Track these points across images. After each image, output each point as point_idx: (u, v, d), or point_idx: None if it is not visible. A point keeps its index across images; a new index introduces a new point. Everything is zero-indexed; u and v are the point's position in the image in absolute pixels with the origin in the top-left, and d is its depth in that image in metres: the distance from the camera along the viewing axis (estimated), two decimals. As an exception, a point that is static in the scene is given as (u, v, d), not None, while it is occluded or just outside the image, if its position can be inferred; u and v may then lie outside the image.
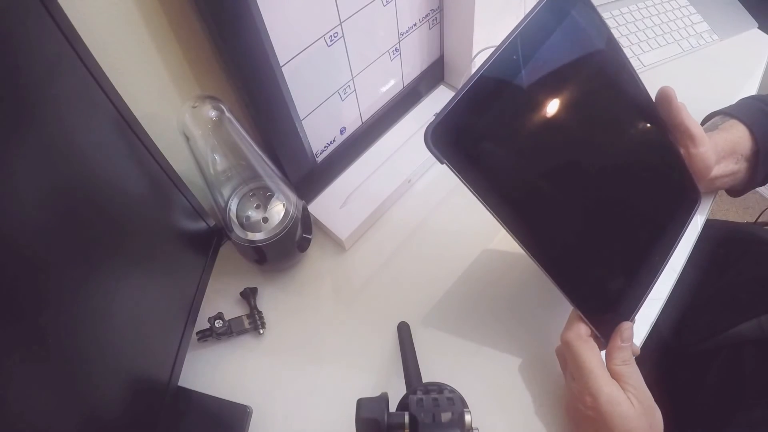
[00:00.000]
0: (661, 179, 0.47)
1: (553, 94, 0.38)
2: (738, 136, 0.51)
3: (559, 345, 0.43)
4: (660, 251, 0.46)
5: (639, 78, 0.45)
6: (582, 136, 0.40)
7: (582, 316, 0.41)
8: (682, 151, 0.48)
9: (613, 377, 0.40)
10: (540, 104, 0.37)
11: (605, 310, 0.42)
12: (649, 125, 0.47)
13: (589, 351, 0.40)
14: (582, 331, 0.41)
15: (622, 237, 0.44)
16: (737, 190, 0.55)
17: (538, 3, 0.36)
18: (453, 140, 0.32)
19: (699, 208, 0.51)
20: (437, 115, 0.32)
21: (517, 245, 0.37)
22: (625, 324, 0.42)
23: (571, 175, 0.40)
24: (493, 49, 0.34)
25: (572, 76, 0.40)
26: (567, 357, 0.42)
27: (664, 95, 0.46)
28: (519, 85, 0.35)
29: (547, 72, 0.37)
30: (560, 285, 0.39)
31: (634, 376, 0.40)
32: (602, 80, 0.42)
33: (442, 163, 0.32)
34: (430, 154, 0.32)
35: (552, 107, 0.38)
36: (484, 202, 0.35)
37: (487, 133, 0.35)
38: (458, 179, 0.33)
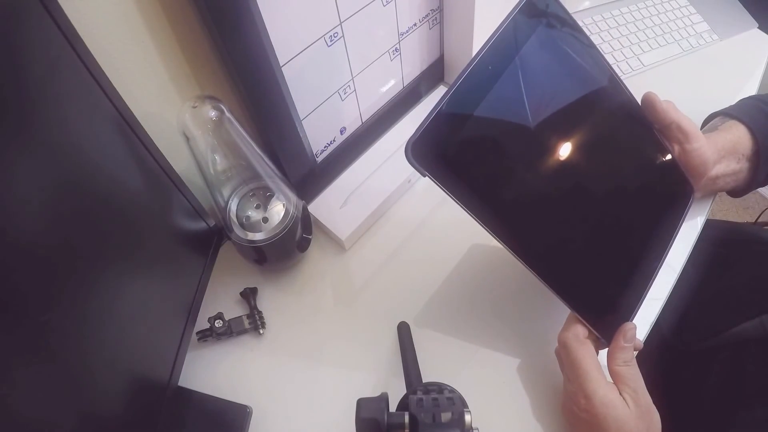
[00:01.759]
0: (650, 178, 0.47)
1: (531, 100, 0.38)
2: (738, 136, 0.51)
3: (557, 346, 0.43)
4: (656, 250, 0.46)
5: (622, 81, 0.45)
6: (566, 141, 0.40)
7: (580, 318, 0.41)
8: (676, 148, 0.48)
9: (612, 377, 0.40)
10: (519, 111, 0.37)
11: (604, 312, 0.42)
12: (635, 127, 0.47)
13: (585, 352, 0.40)
14: (579, 332, 0.41)
15: (615, 239, 0.44)
16: (739, 190, 0.55)
17: (511, 12, 0.36)
18: (434, 153, 0.32)
19: (699, 207, 0.51)
20: (417, 128, 0.32)
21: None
22: (629, 324, 0.42)
23: (557, 180, 0.40)
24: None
25: (551, 81, 0.40)
26: (563, 358, 0.42)
27: (648, 101, 0.46)
28: (497, 95, 0.35)
29: (525, 80, 0.37)
30: (556, 290, 0.39)
31: (635, 377, 0.40)
32: (582, 84, 0.43)
33: (424, 176, 0.32)
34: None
35: (532, 114, 0.38)
36: (470, 211, 0.34)
37: (468, 145, 0.35)
38: (442, 191, 0.33)
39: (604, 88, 0.44)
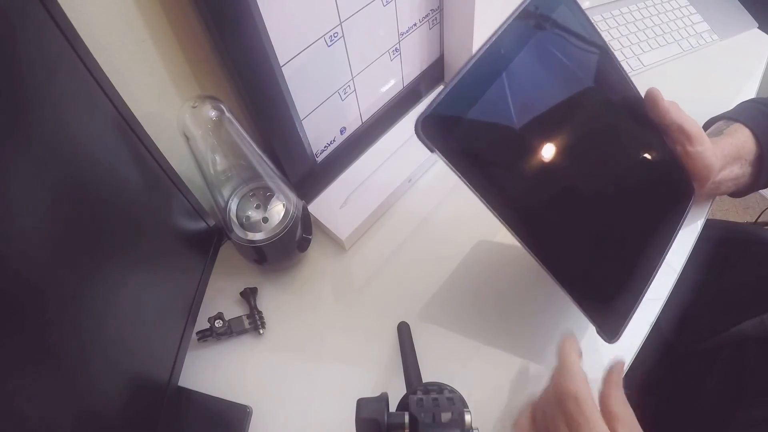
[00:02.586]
0: (653, 177, 0.48)
1: (543, 86, 0.39)
2: (743, 141, 0.51)
3: (555, 399, 0.38)
4: (656, 248, 0.46)
5: (629, 78, 0.45)
6: (573, 131, 0.41)
7: (582, 310, 0.41)
8: (678, 149, 0.47)
9: (610, 419, 0.37)
10: (529, 97, 0.38)
11: (605, 306, 0.43)
12: (640, 125, 0.47)
13: (594, 407, 0.36)
14: (584, 386, 0.37)
15: (617, 233, 0.45)
16: (740, 192, 0.55)
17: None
18: (443, 130, 0.34)
19: (699, 207, 0.51)
20: (428, 105, 0.33)
21: (518, 245, 0.38)
22: (618, 365, 0.40)
23: (563, 169, 0.41)
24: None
25: (562, 70, 0.41)
26: (569, 409, 0.36)
27: (650, 97, 0.46)
28: (509, 78, 0.37)
29: (536, 65, 0.38)
30: (557, 277, 0.39)
31: (630, 416, 0.37)
32: (593, 76, 0.43)
33: (432, 151, 0.33)
34: (429, 152, 0.33)
35: (542, 100, 0.39)
36: (475, 190, 0.36)
37: (477, 125, 0.36)
38: (449, 168, 0.35)
39: (617, 86, 0.45)
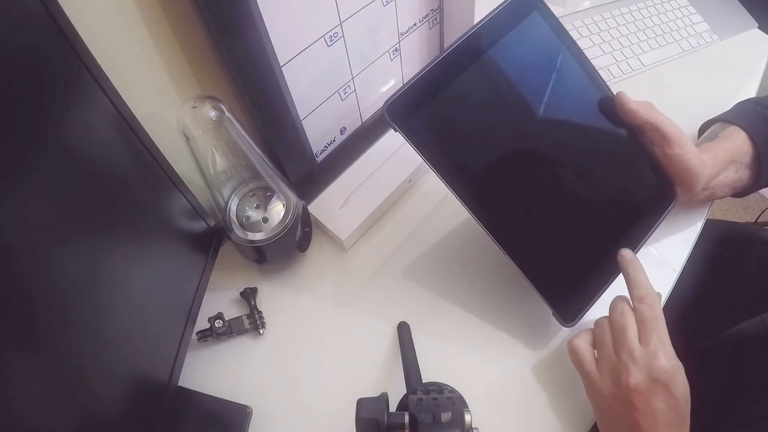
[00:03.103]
0: (625, 175, 0.49)
1: (511, 81, 0.42)
2: (738, 144, 0.51)
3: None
4: (626, 244, 0.47)
5: (604, 82, 0.47)
6: (538, 127, 0.44)
7: (539, 293, 0.43)
8: (656, 151, 0.47)
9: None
10: (497, 90, 0.42)
11: (565, 293, 0.45)
12: (614, 126, 0.47)
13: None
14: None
15: (582, 223, 0.46)
16: (740, 193, 0.55)
17: (502, 2, 0.41)
18: (406, 114, 0.38)
19: (699, 208, 0.51)
20: (397, 90, 0.37)
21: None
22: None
23: (524, 160, 0.43)
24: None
25: (530, 70, 0.43)
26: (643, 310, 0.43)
27: (618, 100, 0.46)
28: (480, 71, 0.40)
29: (507, 62, 0.42)
30: (518, 262, 0.42)
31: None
32: (562, 79, 0.45)
33: (396, 131, 0.38)
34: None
35: (508, 95, 0.42)
36: (432, 166, 0.39)
37: (442, 111, 0.39)
38: (412, 148, 0.39)
39: (586, 83, 0.46)
